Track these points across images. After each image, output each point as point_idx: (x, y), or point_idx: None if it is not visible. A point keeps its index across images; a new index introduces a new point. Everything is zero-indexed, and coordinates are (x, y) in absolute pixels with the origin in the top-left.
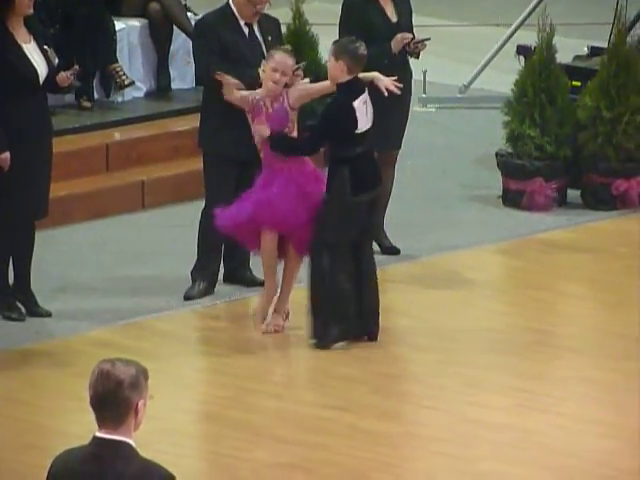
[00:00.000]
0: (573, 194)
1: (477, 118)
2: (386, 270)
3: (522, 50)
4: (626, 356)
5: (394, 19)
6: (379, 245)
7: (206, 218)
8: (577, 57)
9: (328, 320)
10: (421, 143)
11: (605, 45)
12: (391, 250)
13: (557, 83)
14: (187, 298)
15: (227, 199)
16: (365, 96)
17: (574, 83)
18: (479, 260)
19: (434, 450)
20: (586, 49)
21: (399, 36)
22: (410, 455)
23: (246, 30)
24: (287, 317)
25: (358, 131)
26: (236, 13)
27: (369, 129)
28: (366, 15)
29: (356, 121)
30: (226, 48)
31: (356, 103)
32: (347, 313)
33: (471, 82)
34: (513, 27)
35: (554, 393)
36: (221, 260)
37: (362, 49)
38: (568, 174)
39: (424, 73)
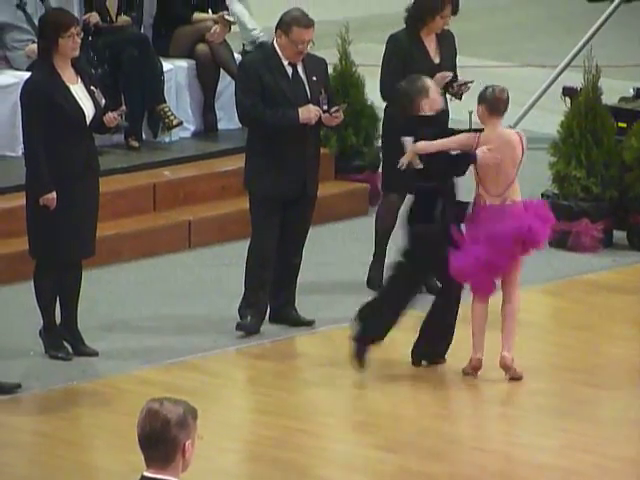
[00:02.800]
0: (619, 235)
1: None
2: None
3: (568, 91)
4: None
5: (437, 60)
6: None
7: (252, 256)
8: (623, 99)
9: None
10: (464, 186)
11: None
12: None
13: (603, 124)
14: (239, 328)
15: (272, 237)
16: None
17: (620, 124)
18: (526, 300)
19: None
20: (632, 90)
21: (439, 75)
22: None
23: (290, 70)
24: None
25: None
26: (280, 53)
27: None
28: (408, 54)
29: None
30: (268, 89)
31: None
32: None
33: (517, 123)
34: (559, 68)
35: (598, 434)
36: (267, 298)
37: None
38: (614, 215)
39: (470, 114)
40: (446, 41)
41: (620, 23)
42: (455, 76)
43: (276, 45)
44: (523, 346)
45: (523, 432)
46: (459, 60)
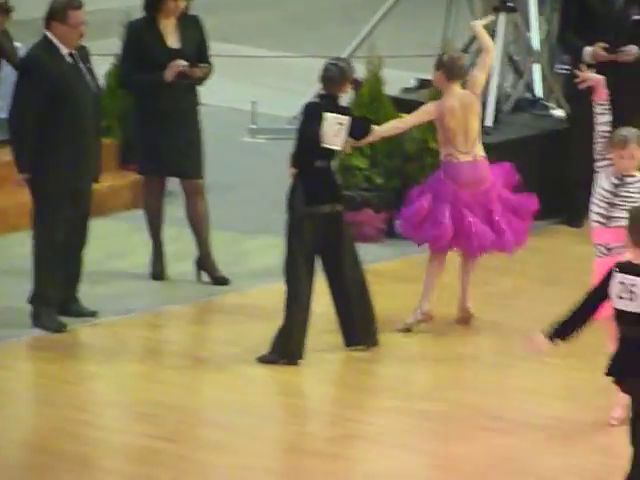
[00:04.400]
0: None
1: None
2: (213, 301)
3: (352, 82)
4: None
5: (175, 45)
6: (209, 276)
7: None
8: (405, 89)
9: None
10: (253, 174)
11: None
12: (221, 280)
13: (386, 115)
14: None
15: None
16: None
17: (402, 115)
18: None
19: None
20: (413, 81)
21: (173, 63)
22: None
23: (70, 60)
24: None
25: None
26: (57, 44)
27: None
28: (143, 40)
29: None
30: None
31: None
32: None
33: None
34: None
35: (379, 423)
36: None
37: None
38: (396, 205)
39: (253, 104)
40: (189, 26)
41: (401, 14)
42: (196, 62)
43: (52, 37)
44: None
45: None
46: (247, 51)
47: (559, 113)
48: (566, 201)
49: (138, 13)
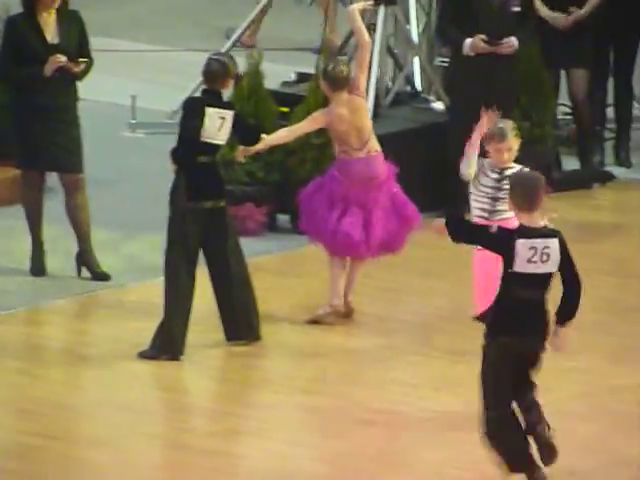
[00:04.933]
0: (283, 219)
1: None
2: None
3: (235, 78)
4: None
5: (55, 40)
6: (90, 271)
7: None
8: (285, 83)
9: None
10: (133, 169)
11: (312, 71)
12: (102, 276)
13: (266, 109)
14: None
15: None
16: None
17: (282, 109)
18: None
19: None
20: (293, 75)
21: (52, 58)
22: None
23: None
24: None
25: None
26: None
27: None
28: (22, 35)
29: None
30: None
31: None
32: None
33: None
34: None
35: (263, 417)
36: None
37: None
38: (278, 199)
39: (133, 98)
40: (69, 21)
41: (281, 7)
42: (73, 56)
43: None
44: None
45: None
46: (118, 44)
47: (439, 106)
48: (447, 193)
49: (16, 8)
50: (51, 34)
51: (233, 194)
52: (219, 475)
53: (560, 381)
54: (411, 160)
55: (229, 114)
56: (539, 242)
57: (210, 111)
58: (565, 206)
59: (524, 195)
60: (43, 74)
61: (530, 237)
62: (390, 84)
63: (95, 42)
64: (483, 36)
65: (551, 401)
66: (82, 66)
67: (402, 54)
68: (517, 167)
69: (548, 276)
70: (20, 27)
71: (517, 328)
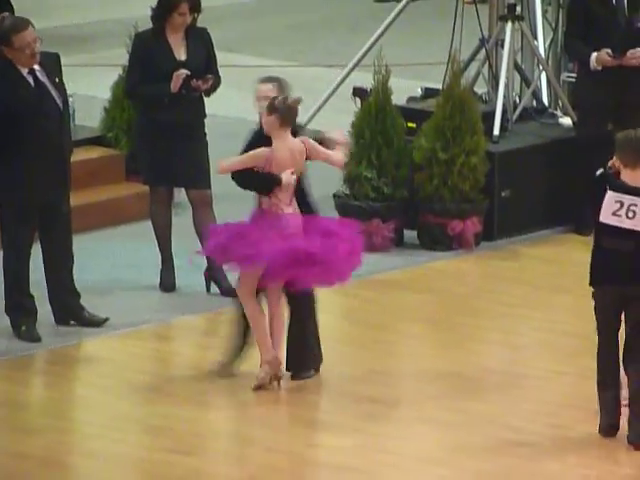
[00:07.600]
0: (410, 235)
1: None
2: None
3: (358, 92)
4: (465, 397)
5: (182, 57)
6: (218, 287)
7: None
8: (411, 98)
9: None
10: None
11: (438, 86)
12: (230, 292)
13: (393, 125)
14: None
15: None
16: None
17: (410, 125)
18: (319, 301)
19: None
20: (420, 90)
21: (176, 73)
22: None
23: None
24: None
25: None
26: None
27: None
28: (149, 51)
29: None
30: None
31: None
32: None
33: (307, 124)
34: (348, 68)
35: (393, 433)
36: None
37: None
38: (405, 215)
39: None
40: (196, 38)
41: (406, 22)
42: (200, 74)
43: (9, 57)
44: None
45: (317, 433)
46: (248, 60)
47: (566, 121)
48: (573, 209)
49: (145, 24)
50: (179, 51)
51: (361, 210)
52: None
53: None
54: (538, 175)
55: None
56: (627, 198)
57: None
58: None
59: (630, 152)
60: (170, 91)
61: (620, 191)
62: (517, 100)
63: (222, 58)
64: (608, 50)
65: None
66: (210, 82)
67: (529, 69)
68: None
69: (633, 232)
70: (148, 43)
71: (607, 277)
